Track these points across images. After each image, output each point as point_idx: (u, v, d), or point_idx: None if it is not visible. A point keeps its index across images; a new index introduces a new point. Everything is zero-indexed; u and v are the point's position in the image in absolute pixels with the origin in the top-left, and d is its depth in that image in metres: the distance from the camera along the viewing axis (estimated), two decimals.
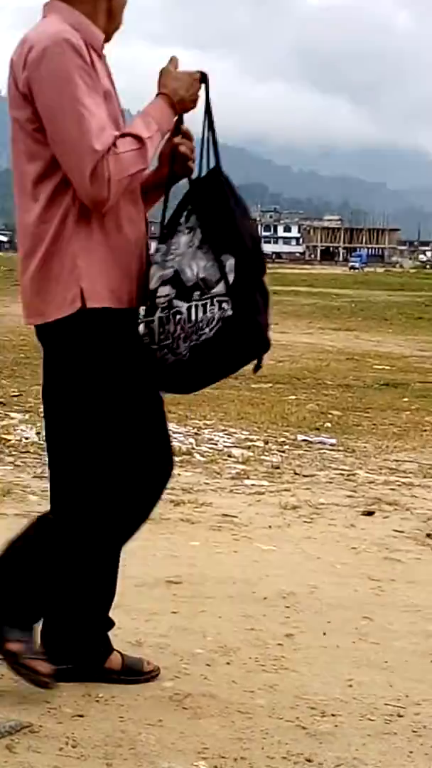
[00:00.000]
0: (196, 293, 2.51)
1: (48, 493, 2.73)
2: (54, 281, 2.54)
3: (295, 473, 6.01)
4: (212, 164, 2.64)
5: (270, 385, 10.59)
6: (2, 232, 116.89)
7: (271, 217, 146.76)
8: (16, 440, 6.30)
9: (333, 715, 2.66)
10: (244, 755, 2.40)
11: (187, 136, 2.70)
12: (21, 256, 2.63)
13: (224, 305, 2.50)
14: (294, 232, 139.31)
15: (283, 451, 6.64)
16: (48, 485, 2.72)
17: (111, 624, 2.80)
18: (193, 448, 6.55)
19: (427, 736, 2.57)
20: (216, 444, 6.84)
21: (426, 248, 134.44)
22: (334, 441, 7.13)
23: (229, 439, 7.07)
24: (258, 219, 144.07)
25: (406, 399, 10.10)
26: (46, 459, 2.75)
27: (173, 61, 2.69)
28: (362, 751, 2.47)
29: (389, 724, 2.63)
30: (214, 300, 2.50)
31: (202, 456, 6.34)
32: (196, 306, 2.50)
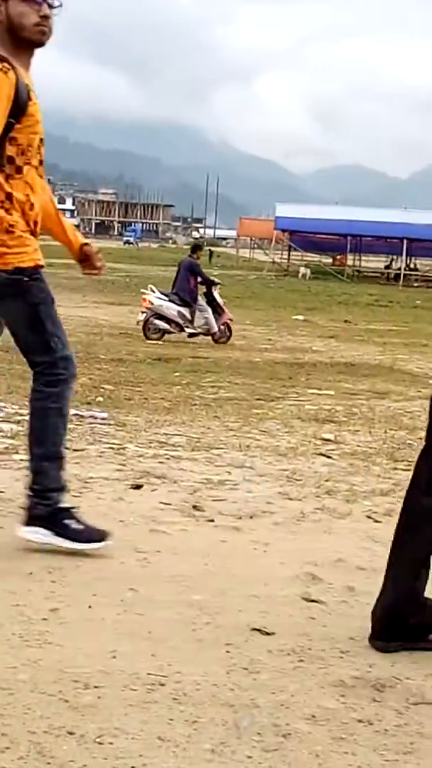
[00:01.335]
0: None
1: None
2: None
3: (65, 447, 5.97)
4: None
5: None
6: None
7: None
8: None
9: (96, 687, 2.68)
10: (5, 731, 2.38)
11: None
12: None
13: None
14: (68, 205, 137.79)
15: None
16: None
17: None
18: None
19: (188, 703, 2.63)
20: None
21: (199, 225, 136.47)
22: (105, 415, 7.15)
23: None
24: None
25: (177, 374, 10.27)
26: None
27: None
28: (124, 720, 2.50)
29: (151, 693, 2.68)
30: None
31: None
32: None
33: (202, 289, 15.41)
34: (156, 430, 6.84)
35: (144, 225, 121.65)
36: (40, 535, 3.91)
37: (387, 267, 55.38)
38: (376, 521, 4.80)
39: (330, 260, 54.19)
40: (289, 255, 54.45)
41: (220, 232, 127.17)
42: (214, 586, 3.65)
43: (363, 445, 6.81)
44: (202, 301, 15.10)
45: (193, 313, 14.87)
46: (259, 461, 6.02)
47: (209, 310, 14.82)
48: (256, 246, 62.33)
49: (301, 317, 20.51)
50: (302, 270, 45.42)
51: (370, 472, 5.91)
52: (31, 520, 3.93)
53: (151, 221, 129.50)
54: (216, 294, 15.20)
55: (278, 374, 10.81)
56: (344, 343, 15.79)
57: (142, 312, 14.43)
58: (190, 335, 14.88)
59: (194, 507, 4.77)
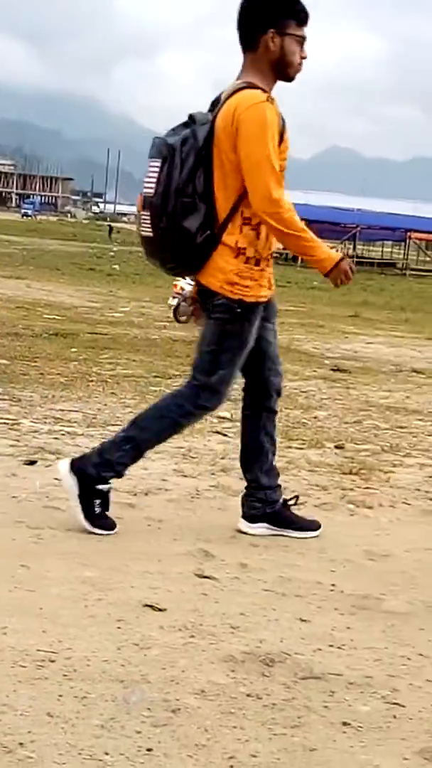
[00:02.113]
0: None
1: None
2: None
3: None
4: None
5: None
6: None
7: None
8: None
9: None
10: None
11: None
12: None
13: None
14: None
15: None
16: None
17: None
18: None
19: (77, 679, 2.63)
20: None
21: (99, 200, 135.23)
22: None
23: None
24: None
25: (74, 349, 10.17)
26: None
27: None
28: (12, 697, 2.48)
29: (41, 669, 2.67)
30: None
31: None
32: None
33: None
34: (51, 405, 6.78)
35: (42, 198, 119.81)
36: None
37: (285, 248, 55.87)
38: None
39: None
40: None
41: (120, 208, 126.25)
42: (106, 563, 3.64)
43: None
44: None
45: None
46: None
47: None
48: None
49: None
50: None
51: None
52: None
53: (49, 194, 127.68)
54: None
55: (176, 352, 10.79)
56: None
57: (174, 297, 15.18)
58: None
59: None
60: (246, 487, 4.33)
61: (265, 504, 4.25)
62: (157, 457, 5.52)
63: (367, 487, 5.26)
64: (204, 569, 3.67)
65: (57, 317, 13.76)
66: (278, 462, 5.61)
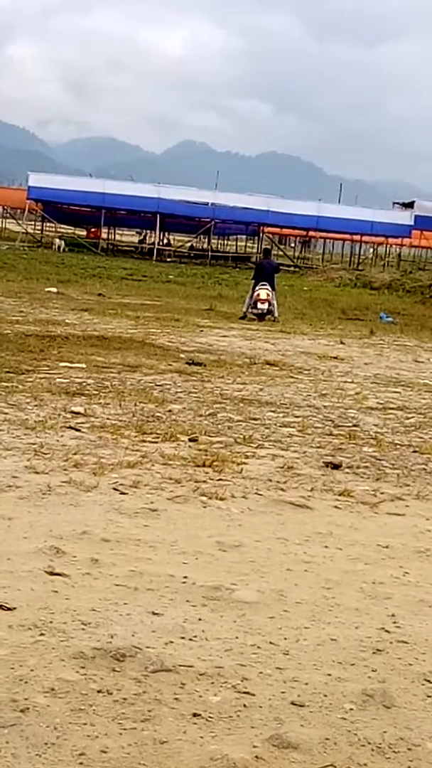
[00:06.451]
0: None
1: None
2: None
3: None
4: None
5: None
6: None
7: None
8: None
9: None
10: None
11: None
12: None
13: None
14: None
15: None
16: None
17: None
18: None
19: None
20: None
21: None
22: None
23: None
24: None
25: None
26: None
27: None
28: None
29: None
30: None
31: None
32: None
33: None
34: None
35: None
36: None
37: (140, 241, 55.74)
38: (122, 493, 4.85)
39: (84, 233, 53.79)
40: (42, 226, 53.64)
41: None
42: None
43: (112, 417, 6.84)
44: None
45: None
46: (6, 435, 5.92)
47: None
48: (8, 215, 60.94)
49: (54, 289, 20.21)
50: (57, 242, 44.80)
51: (119, 444, 5.95)
52: None
53: None
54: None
55: (29, 347, 10.64)
56: (97, 316, 15.74)
57: (262, 302, 18.27)
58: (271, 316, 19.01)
59: None
60: None
61: None
62: (7, 454, 5.44)
63: (220, 479, 5.31)
64: (55, 566, 3.63)
65: None
66: (132, 456, 5.63)
